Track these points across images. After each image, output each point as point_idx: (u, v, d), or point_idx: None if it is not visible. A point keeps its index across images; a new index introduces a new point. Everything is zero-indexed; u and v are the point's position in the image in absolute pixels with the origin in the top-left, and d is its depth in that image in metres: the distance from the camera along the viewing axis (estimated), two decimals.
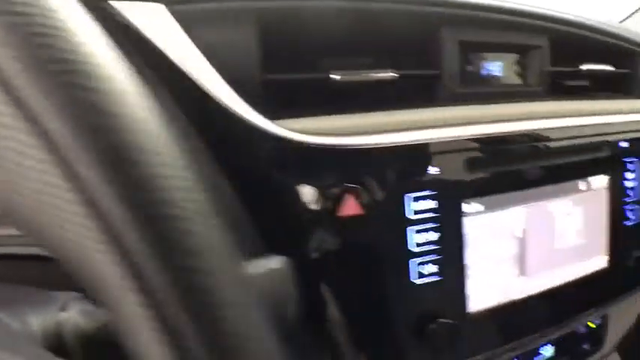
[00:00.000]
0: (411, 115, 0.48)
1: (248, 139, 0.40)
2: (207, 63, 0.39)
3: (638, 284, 0.63)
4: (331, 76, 0.46)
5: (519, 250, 0.52)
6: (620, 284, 0.61)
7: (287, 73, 0.45)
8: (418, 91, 0.51)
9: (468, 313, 0.49)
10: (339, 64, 0.48)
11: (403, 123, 0.46)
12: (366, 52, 0.50)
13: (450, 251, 0.48)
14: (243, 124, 0.39)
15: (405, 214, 0.45)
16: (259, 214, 0.40)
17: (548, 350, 0.62)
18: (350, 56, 0.50)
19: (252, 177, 0.41)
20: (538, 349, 0.61)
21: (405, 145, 0.45)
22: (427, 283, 0.47)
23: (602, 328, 0.66)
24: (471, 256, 0.49)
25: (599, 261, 0.58)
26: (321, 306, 0.44)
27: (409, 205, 0.45)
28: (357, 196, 0.43)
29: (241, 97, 0.39)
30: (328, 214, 0.42)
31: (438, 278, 0.47)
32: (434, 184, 0.46)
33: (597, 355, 0.67)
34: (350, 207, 0.43)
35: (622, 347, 0.72)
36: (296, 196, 0.41)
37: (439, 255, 0.47)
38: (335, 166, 0.42)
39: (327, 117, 0.44)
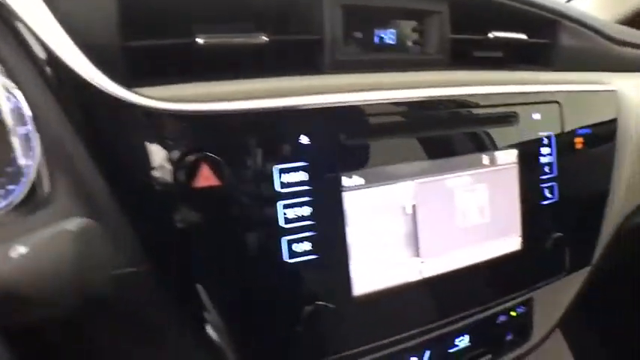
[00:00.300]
0: (283, 82, 0.44)
1: (98, 106, 0.37)
2: (58, 25, 0.36)
3: (561, 269, 0.58)
4: (197, 40, 0.42)
5: (411, 229, 0.47)
6: (539, 269, 0.57)
7: (149, 38, 0.42)
8: (298, 58, 0.47)
9: (352, 297, 0.45)
10: (213, 30, 0.44)
11: (272, 90, 0.43)
12: (239, 17, 0.47)
13: (328, 228, 0.44)
14: (92, 89, 0.36)
15: (273, 187, 0.41)
16: (113, 184, 0.37)
17: (463, 341, 0.57)
18: (224, 21, 0.46)
19: (103, 145, 0.38)
20: (453, 339, 0.57)
21: (271, 112, 0.42)
22: (301, 263, 0.43)
23: (526, 317, 0.61)
24: (354, 235, 0.45)
25: (512, 243, 0.54)
26: (181, 286, 0.41)
27: (277, 177, 0.41)
28: (214, 166, 0.39)
29: (98, 63, 0.36)
30: (183, 186, 0.38)
31: (314, 257, 0.43)
32: (306, 154, 0.42)
33: (524, 347, 0.62)
34: (206, 177, 0.39)
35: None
36: (149, 165, 0.38)
37: (314, 232, 0.43)
38: (190, 134, 0.39)
39: (193, 84, 0.41)
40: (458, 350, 0.57)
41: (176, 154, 0.38)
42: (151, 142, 0.38)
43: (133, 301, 0.40)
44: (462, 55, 0.54)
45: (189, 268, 0.40)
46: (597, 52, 0.66)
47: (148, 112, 0.37)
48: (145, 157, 0.37)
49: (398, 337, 0.49)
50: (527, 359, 0.64)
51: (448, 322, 0.52)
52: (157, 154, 0.38)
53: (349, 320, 0.46)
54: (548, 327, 0.65)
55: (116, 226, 0.38)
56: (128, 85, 0.37)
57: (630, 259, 0.86)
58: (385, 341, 0.48)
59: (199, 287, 0.40)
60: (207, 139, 0.39)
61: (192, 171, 0.38)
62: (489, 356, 0.58)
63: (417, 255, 0.48)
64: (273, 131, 0.42)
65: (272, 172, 0.41)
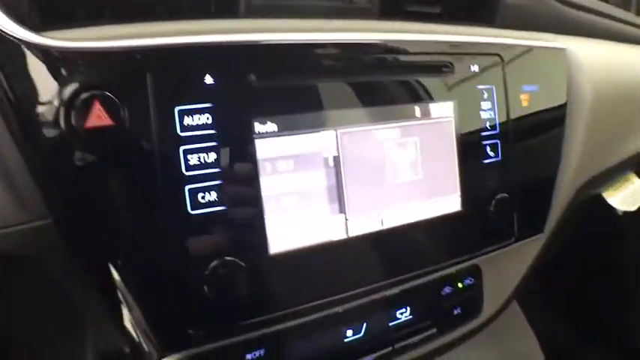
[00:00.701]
0: (192, 24, 0.41)
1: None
2: None
3: (508, 235, 0.54)
4: None
5: (333, 183, 0.43)
6: (484, 233, 0.53)
7: None
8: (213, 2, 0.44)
9: (268, 255, 0.41)
10: None
11: (178, 30, 0.40)
12: None
13: (238, 178, 0.40)
14: None
15: (173, 130, 0.37)
16: (10, 129, 0.35)
17: (405, 314, 0.53)
18: None
19: None
20: (393, 312, 0.53)
21: (172, 49, 0.38)
22: (207, 215, 0.38)
23: (474, 289, 0.57)
24: (269, 186, 0.41)
25: (451, 203, 0.50)
26: (80, 241, 0.37)
27: (178, 119, 0.37)
28: (107, 105, 0.35)
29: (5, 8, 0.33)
30: (76, 126, 0.34)
31: (221, 209, 0.39)
32: (211, 96, 0.39)
33: (474, 322, 0.58)
34: (97, 117, 0.35)
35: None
36: (43, 107, 0.34)
37: (221, 181, 0.39)
38: (86, 72, 0.35)
39: (101, 27, 0.38)
40: (399, 323, 0.53)
41: (70, 92, 0.34)
42: (47, 81, 0.34)
43: (39, 259, 0.37)
44: (394, 7, 0.50)
45: (87, 219, 0.36)
46: (547, 12, 0.63)
47: (45, 50, 0.34)
48: (39, 97, 0.34)
49: (325, 302, 0.44)
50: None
51: (384, 289, 0.47)
52: (52, 94, 0.34)
53: (266, 282, 0.41)
54: (501, 301, 0.61)
55: (15, 174, 0.35)
56: (35, 29, 0.34)
57: (588, 231, 0.82)
58: (308, 306, 0.43)
59: (97, 241, 0.37)
60: (102, 77, 0.35)
61: (85, 110, 0.34)
62: (434, 330, 0.54)
63: (342, 212, 0.44)
64: (175, 70, 0.38)
65: (173, 114, 0.37)
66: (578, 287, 0.97)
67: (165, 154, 0.37)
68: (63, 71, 0.34)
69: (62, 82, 0.34)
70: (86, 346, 0.44)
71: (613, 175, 0.73)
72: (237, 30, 0.41)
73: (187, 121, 0.38)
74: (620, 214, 0.73)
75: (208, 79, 0.39)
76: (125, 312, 0.39)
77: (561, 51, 0.59)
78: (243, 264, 0.40)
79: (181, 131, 0.38)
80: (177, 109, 0.37)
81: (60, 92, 0.34)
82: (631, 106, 0.70)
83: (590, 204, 0.72)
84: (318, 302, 0.44)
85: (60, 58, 0.34)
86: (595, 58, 0.64)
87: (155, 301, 0.39)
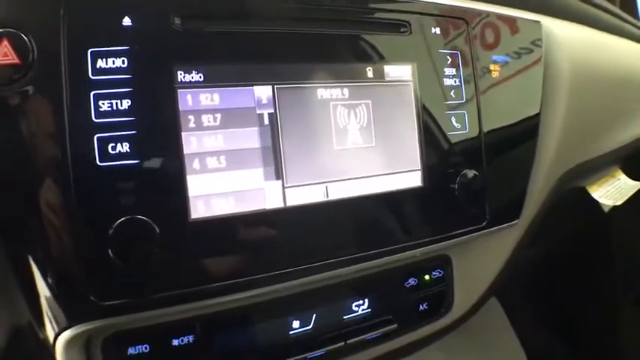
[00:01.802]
0: None
1: None
2: None
3: (479, 218, 0.49)
4: None
5: (268, 144, 0.39)
6: (451, 214, 0.47)
7: None
8: None
9: (188, 221, 0.35)
10: None
11: None
12: None
13: (155, 130, 0.35)
14: None
15: (85, 74, 0.33)
16: None
17: (362, 307, 0.47)
18: None
19: None
20: (348, 303, 0.47)
21: None
22: (115, 167, 0.34)
23: (443, 283, 0.51)
24: (191, 142, 0.36)
25: (411, 177, 0.44)
26: None
27: (90, 61, 0.33)
28: (15, 42, 0.32)
29: None
30: None
31: (133, 162, 0.34)
32: (128, 38, 0.35)
33: (443, 320, 0.52)
34: (4, 54, 0.32)
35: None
36: None
37: (135, 132, 0.34)
38: None
39: None
40: (355, 317, 0.47)
41: None
42: None
43: None
44: None
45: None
46: None
47: None
48: None
49: (256, 279, 0.38)
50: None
51: (331, 268, 0.41)
52: None
53: (185, 250, 0.36)
54: (474, 297, 0.54)
55: None
56: None
57: (571, 224, 0.76)
58: (234, 283, 0.37)
59: (3, 187, 0.33)
60: (13, 14, 0.32)
61: None
62: (394, 327, 0.48)
63: (280, 177, 0.39)
64: (91, 9, 0.34)
65: (85, 56, 0.33)
66: (564, 293, 0.91)
67: (75, 99, 0.33)
68: None
69: None
70: None
71: (599, 167, 0.68)
72: None
73: (100, 64, 0.34)
74: (606, 210, 0.68)
75: (126, 21, 0.35)
76: (31, 276, 0.34)
77: (536, 24, 0.55)
78: (156, 227, 0.34)
79: (93, 75, 0.34)
80: (90, 50, 0.34)
81: None
82: (613, 93, 0.65)
83: (574, 198, 0.66)
84: (247, 279, 0.38)
85: None
86: (573, 38, 0.60)
87: (58, 264, 0.34)
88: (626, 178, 0.71)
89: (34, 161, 0.32)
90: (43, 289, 0.34)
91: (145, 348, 0.39)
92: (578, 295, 0.91)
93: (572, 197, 0.67)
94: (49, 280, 0.34)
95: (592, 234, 0.82)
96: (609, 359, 0.86)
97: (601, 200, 0.66)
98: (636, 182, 0.70)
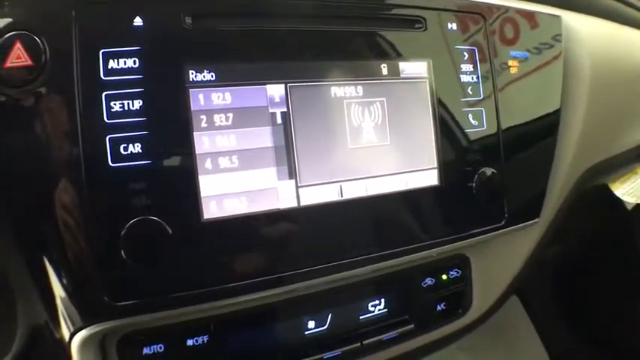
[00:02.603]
0: None
1: None
2: None
3: (497, 217, 0.47)
4: None
5: (281, 143, 0.38)
6: (469, 212, 0.46)
7: None
8: None
9: (201, 221, 0.35)
10: None
11: None
12: None
13: (167, 130, 0.35)
14: None
15: (97, 74, 0.33)
16: None
17: (378, 307, 0.47)
18: None
19: None
20: (364, 303, 0.46)
21: None
22: (128, 168, 0.34)
23: (461, 283, 0.50)
24: (204, 142, 0.36)
25: (428, 175, 0.44)
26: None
27: (102, 62, 0.33)
28: (28, 44, 0.32)
29: None
30: None
31: (145, 163, 0.34)
32: (139, 38, 0.35)
33: (460, 321, 0.51)
34: (17, 57, 0.32)
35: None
36: None
37: (147, 132, 0.34)
38: (7, 12, 0.33)
39: None
40: (371, 317, 0.46)
41: None
42: None
43: None
44: None
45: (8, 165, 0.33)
46: None
47: None
48: None
49: (270, 280, 0.38)
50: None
51: (346, 268, 0.41)
52: None
53: (198, 251, 0.36)
54: (493, 298, 0.53)
55: None
56: None
57: (594, 222, 0.74)
58: (249, 283, 0.37)
59: (15, 190, 0.33)
60: (26, 17, 0.33)
61: (6, 50, 0.32)
62: (411, 327, 0.47)
63: (293, 177, 0.38)
64: (102, 10, 0.34)
65: (97, 56, 0.33)
66: (588, 295, 0.88)
67: (87, 100, 0.33)
68: None
69: None
70: (17, 320, 0.39)
71: (621, 164, 0.66)
72: None
73: (112, 64, 0.34)
74: (629, 207, 0.66)
75: (137, 21, 0.35)
76: (47, 277, 0.34)
77: (556, 18, 0.53)
78: (168, 228, 0.34)
79: (105, 75, 0.34)
80: (101, 51, 0.34)
81: None
82: (635, 88, 0.63)
83: (596, 196, 0.64)
84: (261, 280, 0.37)
85: None
86: (594, 33, 0.58)
87: (72, 265, 0.34)
88: None
89: (47, 162, 0.33)
90: (58, 290, 0.34)
91: (160, 348, 0.39)
92: (601, 295, 0.88)
93: (594, 195, 0.65)
94: (64, 281, 0.34)
95: (616, 232, 0.80)
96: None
97: (624, 198, 0.64)
98: None
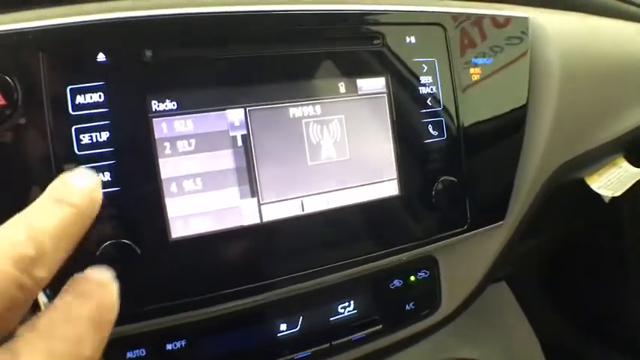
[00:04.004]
0: (91, 6, 0.40)
1: None
2: None
3: (461, 221, 0.50)
4: None
5: (243, 165, 0.41)
6: (430, 221, 0.48)
7: None
8: None
9: (169, 241, 0.38)
10: None
11: (72, 11, 0.38)
12: None
13: (134, 158, 0.38)
14: None
15: (66, 110, 0.36)
16: None
17: (348, 308, 0.49)
18: None
19: None
20: (334, 305, 0.49)
21: (63, 29, 0.37)
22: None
23: (429, 283, 0.53)
24: (169, 167, 0.38)
25: (388, 186, 0.46)
26: None
27: (71, 98, 0.36)
28: (1, 84, 0.35)
29: None
30: None
31: (116, 189, 0.37)
32: (103, 74, 0.37)
33: (429, 320, 0.53)
34: None
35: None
36: None
37: (114, 161, 0.37)
38: None
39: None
40: (341, 319, 0.49)
41: None
42: None
43: None
44: None
45: None
46: None
47: None
48: None
49: (240, 291, 0.41)
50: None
51: (313, 277, 0.43)
52: None
53: (168, 268, 0.39)
54: (463, 295, 0.55)
55: None
56: None
57: (579, 213, 0.75)
58: (216, 294, 0.40)
59: None
60: None
61: None
62: (379, 327, 0.50)
63: (255, 195, 0.41)
64: (67, 49, 0.37)
65: (65, 93, 0.36)
66: (577, 281, 0.90)
67: (58, 133, 0.36)
68: None
69: None
70: None
71: (600, 156, 0.66)
72: (131, 7, 0.40)
73: (79, 99, 0.37)
74: (606, 201, 0.67)
75: (100, 57, 0.37)
76: None
77: (522, 20, 0.54)
78: (137, 249, 0.37)
79: (73, 110, 0.36)
80: (69, 87, 0.36)
81: None
82: (609, 82, 0.63)
83: (574, 189, 0.66)
84: (229, 291, 0.40)
85: None
86: (564, 29, 0.59)
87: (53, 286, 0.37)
88: (629, 165, 0.69)
89: (24, 193, 0.35)
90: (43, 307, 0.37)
91: (142, 352, 0.42)
92: (587, 281, 0.90)
93: (572, 188, 0.67)
94: (44, 300, 0.37)
95: (597, 221, 0.81)
96: (620, 344, 0.86)
97: (600, 191, 0.65)
98: (638, 169, 0.68)
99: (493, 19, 0.52)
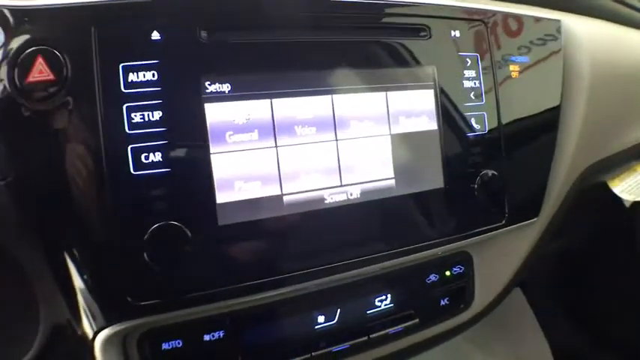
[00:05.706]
0: None
1: None
2: None
3: (498, 216, 0.49)
4: None
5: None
6: (470, 213, 0.48)
7: None
8: None
9: (217, 226, 0.37)
10: None
11: None
12: None
13: (185, 139, 0.37)
14: None
15: (118, 87, 0.35)
16: None
17: (385, 302, 0.49)
18: None
19: None
20: (371, 298, 0.48)
21: (116, 5, 0.36)
22: (149, 176, 0.36)
23: (463, 279, 0.52)
24: (219, 150, 0.37)
25: (432, 180, 0.45)
26: (26, 202, 0.35)
27: (123, 75, 0.35)
28: (49, 59, 0.34)
29: None
30: (17, 82, 0.33)
31: (165, 171, 0.36)
32: (157, 52, 0.36)
33: (462, 316, 0.53)
34: (39, 72, 0.34)
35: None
36: None
37: (166, 141, 0.36)
38: (30, 29, 0.34)
39: None
40: (377, 312, 0.48)
41: (15, 48, 0.33)
42: None
43: None
44: None
45: (28, 177, 0.34)
46: None
47: None
48: None
49: (283, 279, 0.40)
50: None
51: (355, 267, 0.43)
52: None
53: (216, 253, 0.38)
54: (494, 293, 0.55)
55: None
56: None
57: (597, 219, 0.76)
58: (261, 282, 0.39)
59: (39, 201, 0.35)
60: (47, 33, 0.34)
61: (28, 65, 0.33)
62: (416, 321, 0.49)
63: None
64: (121, 26, 0.36)
65: (117, 70, 0.35)
66: (590, 289, 0.90)
67: (108, 111, 0.35)
68: (9, 28, 0.33)
69: (8, 39, 0.33)
70: (39, 319, 0.41)
71: (621, 161, 0.67)
72: None
73: (132, 77, 0.36)
74: (627, 205, 0.67)
75: (155, 35, 0.36)
76: (71, 279, 0.36)
77: (556, 22, 0.55)
78: (188, 232, 0.36)
79: (125, 88, 0.35)
80: (121, 65, 0.35)
81: (5, 48, 0.33)
82: (634, 89, 0.64)
83: (596, 194, 0.66)
84: (273, 279, 0.39)
85: (7, 15, 0.33)
86: (594, 36, 0.60)
87: (97, 268, 0.36)
88: None
89: (72, 171, 0.34)
90: (83, 291, 0.36)
91: (178, 343, 0.41)
92: (603, 290, 0.90)
93: (594, 193, 0.67)
94: (89, 283, 0.36)
95: (616, 229, 0.82)
96: (633, 354, 0.86)
97: (621, 195, 0.66)
98: None
99: (529, 19, 0.52)
